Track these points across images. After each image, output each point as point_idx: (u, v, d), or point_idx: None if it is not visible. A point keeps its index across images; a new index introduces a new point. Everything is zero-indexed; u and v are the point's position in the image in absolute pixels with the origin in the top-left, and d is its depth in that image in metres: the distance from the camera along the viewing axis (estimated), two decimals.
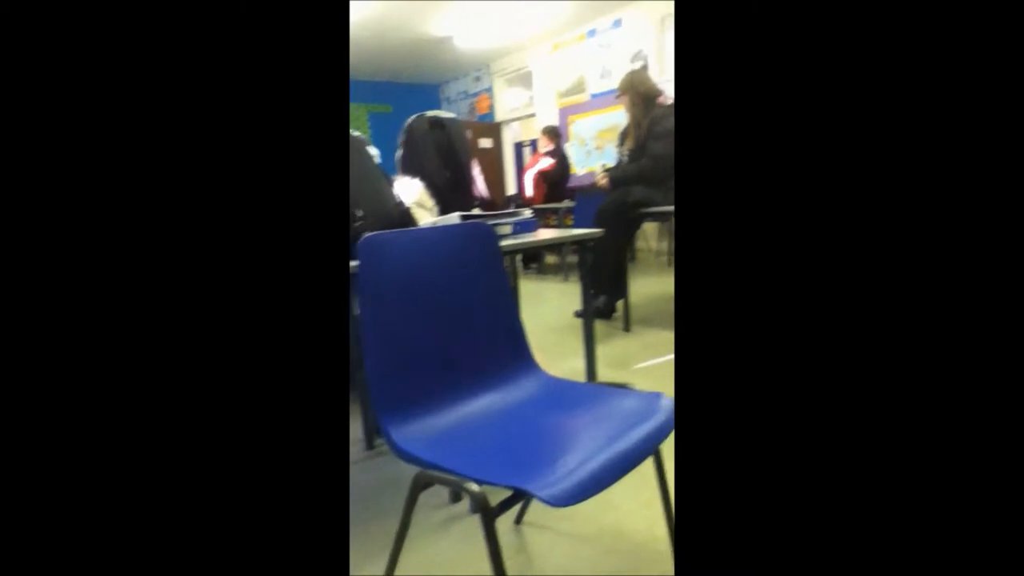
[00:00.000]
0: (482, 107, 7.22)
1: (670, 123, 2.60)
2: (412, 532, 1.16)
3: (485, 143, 6.87)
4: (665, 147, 2.57)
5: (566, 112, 5.95)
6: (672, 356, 2.19)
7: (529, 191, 4.77)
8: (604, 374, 2.03)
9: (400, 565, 1.05)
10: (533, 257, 4.98)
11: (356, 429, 1.74)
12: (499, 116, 7.05)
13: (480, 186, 1.88)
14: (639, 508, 1.19)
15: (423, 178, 1.66)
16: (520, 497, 0.70)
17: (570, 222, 4.46)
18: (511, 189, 7.03)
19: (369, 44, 5.61)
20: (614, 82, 5.35)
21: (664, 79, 4.67)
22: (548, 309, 3.29)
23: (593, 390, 0.97)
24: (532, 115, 6.57)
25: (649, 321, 2.78)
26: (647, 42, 5.06)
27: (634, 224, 2.81)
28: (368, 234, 0.89)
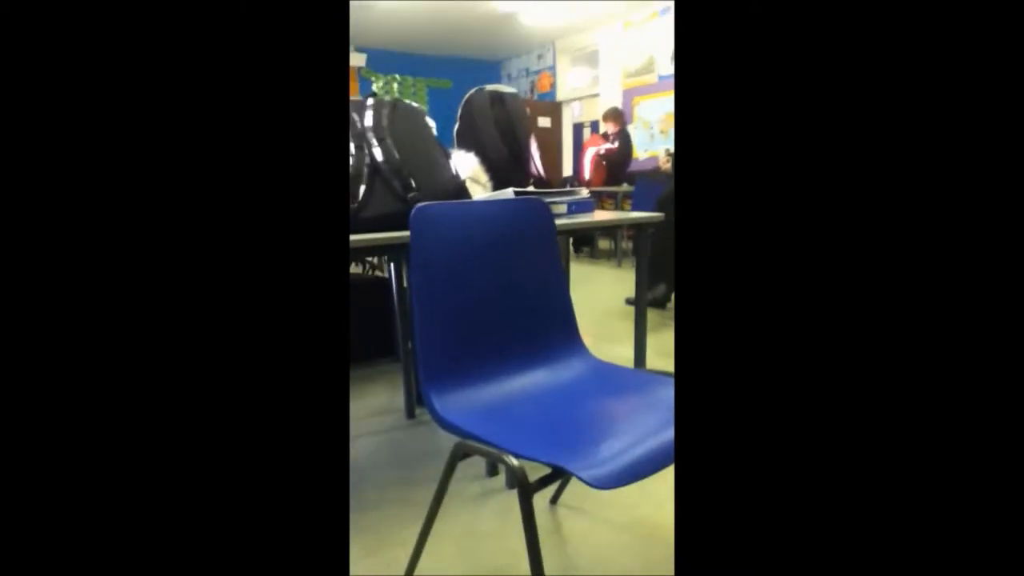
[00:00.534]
0: (543, 85, 7.11)
1: None
2: (448, 502, 1.17)
3: (544, 122, 6.78)
4: None
5: (631, 93, 5.77)
6: None
7: (588, 173, 4.69)
8: (654, 363, 1.98)
9: (433, 533, 1.06)
10: (586, 241, 4.91)
11: (399, 398, 1.77)
12: (560, 95, 6.94)
13: (536, 164, 1.85)
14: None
15: (478, 153, 1.65)
16: (558, 476, 0.69)
17: (628, 207, 4.36)
18: (568, 170, 6.93)
19: (432, 19, 5.62)
20: None
21: None
22: (599, 294, 3.24)
23: (641, 376, 0.94)
24: (596, 95, 6.42)
25: None
26: None
27: None
28: (421, 204, 0.89)
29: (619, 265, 4.24)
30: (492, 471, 1.29)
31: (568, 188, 1.60)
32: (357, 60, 6.36)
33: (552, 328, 1.02)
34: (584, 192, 1.54)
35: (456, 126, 1.77)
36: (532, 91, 7.25)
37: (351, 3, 5.02)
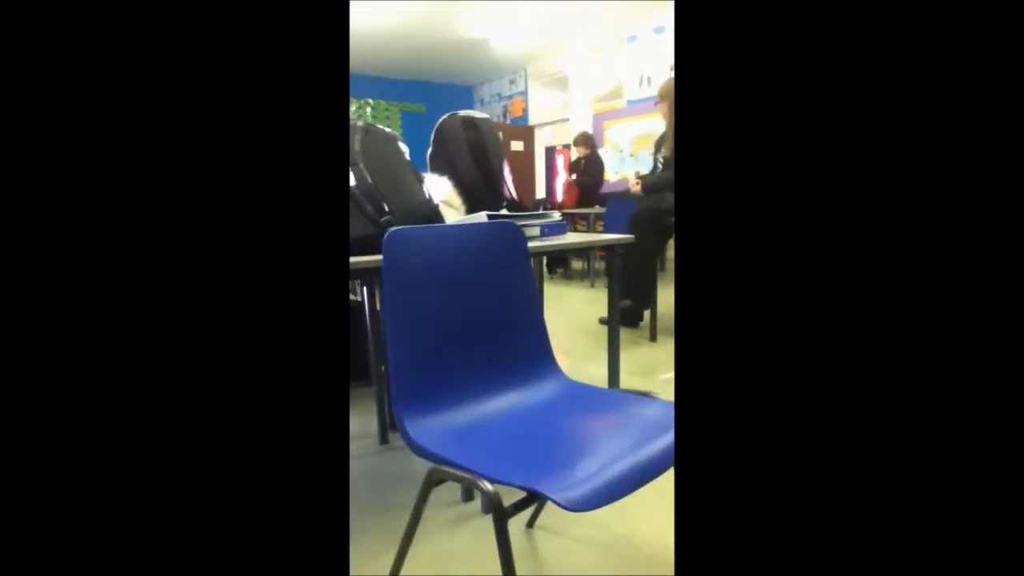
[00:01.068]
0: (516, 110, 7.23)
1: None
2: (422, 528, 1.15)
3: (517, 146, 6.87)
4: None
5: (601, 117, 5.91)
6: None
7: (560, 195, 4.76)
8: (627, 382, 1.99)
9: (408, 561, 1.04)
10: (559, 261, 4.95)
11: (371, 423, 1.75)
12: (532, 119, 7.06)
13: (509, 188, 1.88)
14: (654, 518, 1.16)
15: (452, 177, 1.66)
16: (534, 499, 0.69)
17: (600, 228, 4.43)
18: (541, 193, 7.02)
19: (405, 44, 5.68)
20: (653, 89, 5.32)
21: None
22: (572, 314, 3.26)
23: (615, 396, 0.95)
24: (566, 119, 6.56)
25: None
26: None
27: (666, 232, 2.77)
28: (394, 228, 0.89)
29: (592, 285, 4.29)
30: (468, 496, 1.27)
31: (541, 211, 1.62)
32: None
33: (526, 350, 1.02)
34: (556, 215, 1.56)
35: (429, 150, 1.79)
36: (505, 115, 7.36)
37: None
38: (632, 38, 5.50)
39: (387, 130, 1.45)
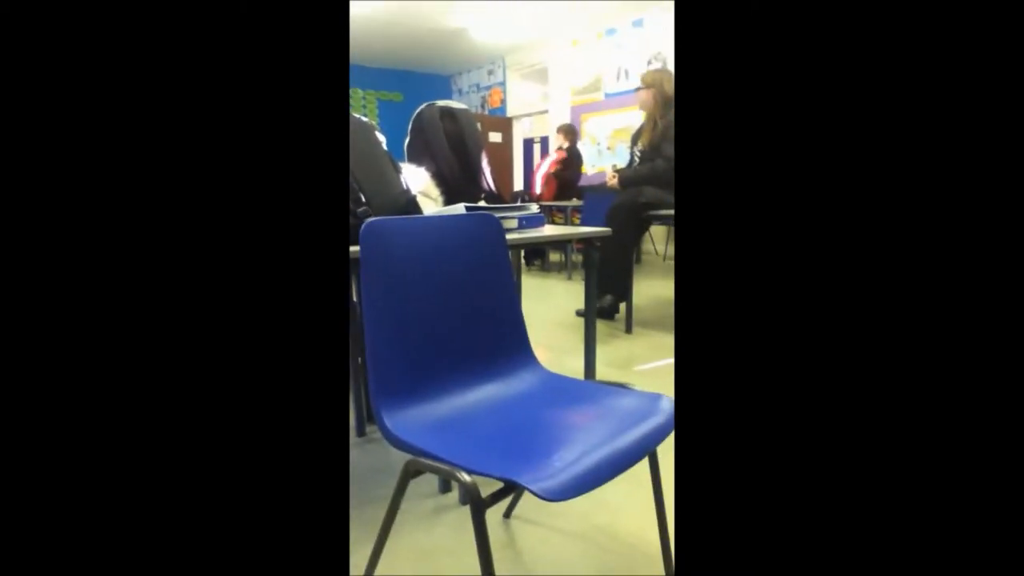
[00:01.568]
0: (494, 101, 7.19)
1: None
2: (400, 520, 1.15)
3: (495, 137, 6.84)
4: None
5: (579, 110, 5.92)
6: (673, 360, 2.18)
7: (539, 188, 4.76)
8: (604, 374, 2.02)
9: (386, 553, 1.04)
10: (537, 254, 4.97)
11: (350, 415, 1.73)
12: (511, 111, 7.03)
13: (488, 179, 1.87)
14: (631, 508, 1.18)
15: (430, 167, 1.65)
16: (511, 490, 0.69)
17: (577, 221, 4.45)
18: (519, 185, 7.01)
19: (383, 32, 5.59)
20: (631, 82, 5.35)
21: None
22: (550, 306, 3.28)
23: (592, 387, 0.96)
24: (545, 112, 6.55)
25: (652, 324, 2.77)
26: (668, 44, 5.03)
27: (643, 225, 2.80)
28: (371, 219, 0.89)
29: (569, 278, 4.31)
30: (445, 487, 1.28)
31: (519, 203, 1.62)
32: None
33: (503, 342, 1.03)
34: (534, 207, 1.56)
35: (407, 140, 1.77)
36: (483, 106, 7.31)
37: None
38: (611, 31, 5.51)
39: (364, 119, 1.43)
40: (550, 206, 4.48)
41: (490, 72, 7.17)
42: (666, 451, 1.32)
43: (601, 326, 2.70)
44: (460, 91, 7.71)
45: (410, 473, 0.76)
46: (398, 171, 1.44)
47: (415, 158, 1.72)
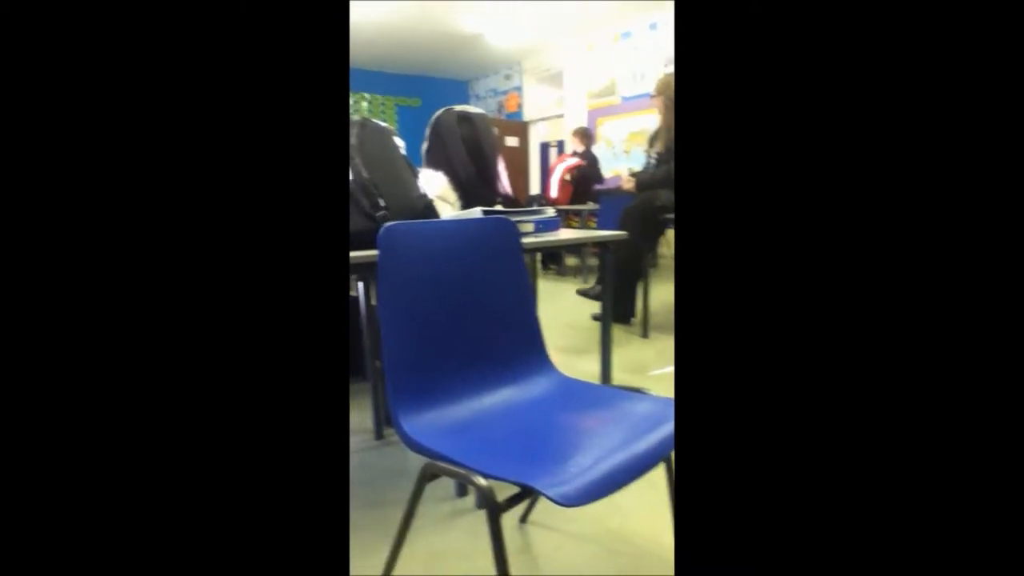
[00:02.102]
0: (511, 105, 7.21)
1: None
2: (417, 524, 1.16)
3: (511, 141, 6.86)
4: None
5: (595, 114, 5.91)
6: None
7: (554, 191, 4.75)
8: (619, 378, 2.00)
9: (403, 557, 1.05)
10: (553, 257, 4.96)
11: (366, 418, 1.75)
12: (527, 115, 7.04)
13: (504, 183, 1.88)
14: (646, 513, 1.17)
15: (447, 172, 1.66)
16: (527, 495, 0.69)
17: (593, 224, 4.43)
18: (535, 189, 7.01)
19: (400, 37, 5.65)
20: (647, 85, 5.33)
21: None
22: (565, 310, 3.27)
23: (608, 392, 0.96)
24: (560, 115, 6.55)
25: (667, 328, 2.75)
26: None
27: (658, 229, 2.78)
28: (389, 223, 0.89)
29: (585, 281, 4.30)
30: (462, 491, 1.28)
31: (535, 206, 1.62)
32: None
33: (519, 346, 1.03)
34: (551, 211, 1.56)
35: (425, 145, 1.78)
36: (500, 111, 7.34)
37: None
38: (627, 34, 5.49)
39: (383, 124, 1.44)
40: (566, 210, 4.48)
41: (507, 77, 7.20)
42: None
43: (617, 330, 2.69)
44: (477, 96, 7.74)
45: (427, 477, 0.76)
46: (415, 175, 1.46)
47: (433, 162, 1.73)
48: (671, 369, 2.13)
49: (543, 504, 1.21)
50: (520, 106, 7.09)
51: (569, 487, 0.61)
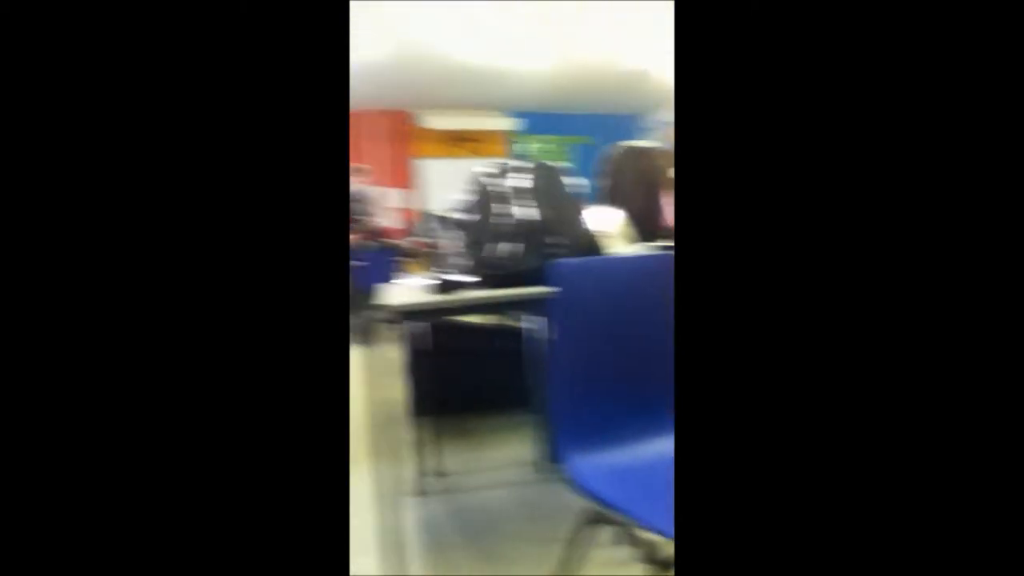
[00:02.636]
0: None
1: None
2: (578, 564, 1.12)
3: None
4: None
5: None
6: None
7: None
8: None
9: None
10: None
11: (529, 451, 1.77)
12: None
13: (668, 217, 1.81)
14: None
15: (619, 207, 1.65)
16: None
17: None
18: None
19: (571, 80, 5.87)
20: None
21: None
22: None
23: None
24: None
25: None
26: None
27: None
28: (559, 260, 0.91)
29: None
30: (621, 537, 1.21)
31: None
32: (503, 124, 6.81)
33: None
34: None
35: (597, 181, 1.80)
36: (663, 143, 7.17)
37: (498, 72, 5.45)
38: None
39: (556, 164, 1.49)
40: None
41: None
42: None
43: None
44: (647, 129, 7.68)
45: (588, 522, 0.74)
46: (588, 213, 1.47)
47: (605, 199, 1.74)
48: None
49: None
50: None
51: None
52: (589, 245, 1.34)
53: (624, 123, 7.79)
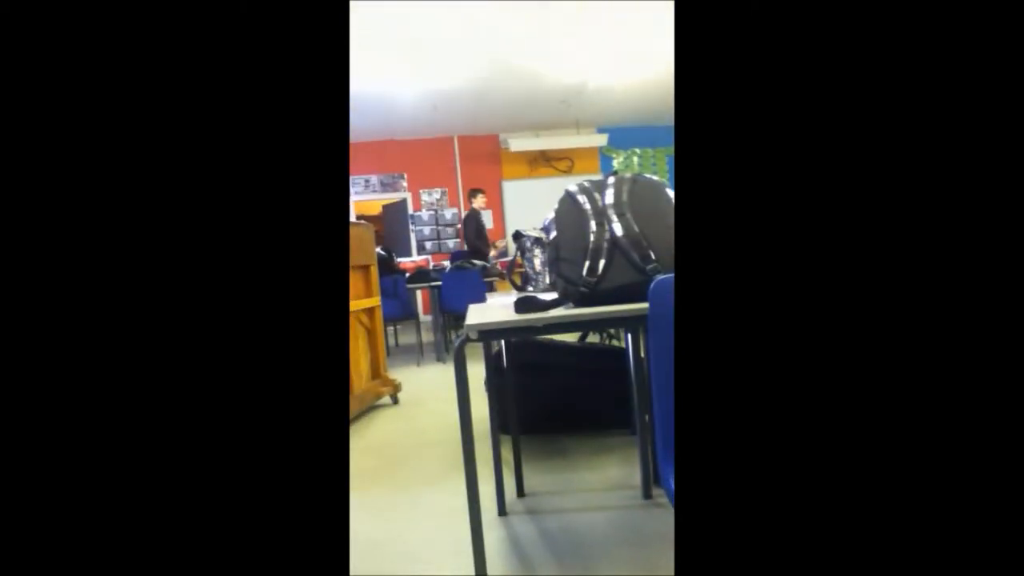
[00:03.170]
0: None
1: None
2: None
3: None
4: None
5: None
6: None
7: None
8: None
9: None
10: None
11: (634, 474, 1.70)
12: None
13: None
14: None
15: None
16: None
17: None
18: None
19: (664, 91, 5.72)
20: None
21: None
22: None
23: None
24: None
25: None
26: None
27: None
28: (660, 277, 0.88)
29: None
30: None
31: None
32: (598, 140, 6.79)
33: None
34: None
35: None
36: None
37: (589, 89, 5.46)
38: None
39: (654, 178, 1.45)
40: None
41: None
42: None
43: None
44: None
45: None
46: None
47: None
48: None
49: None
50: None
51: None
52: None
53: None
